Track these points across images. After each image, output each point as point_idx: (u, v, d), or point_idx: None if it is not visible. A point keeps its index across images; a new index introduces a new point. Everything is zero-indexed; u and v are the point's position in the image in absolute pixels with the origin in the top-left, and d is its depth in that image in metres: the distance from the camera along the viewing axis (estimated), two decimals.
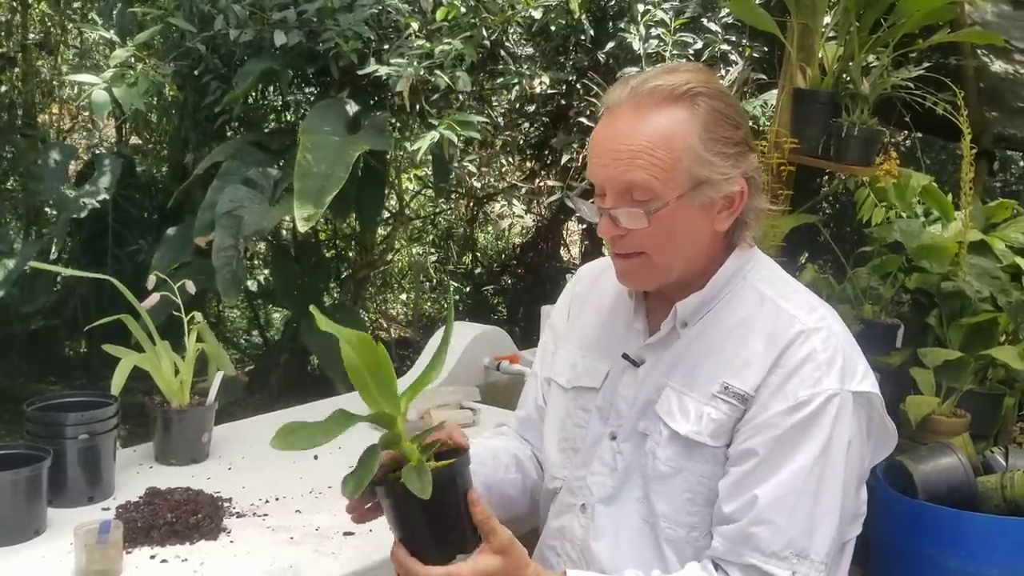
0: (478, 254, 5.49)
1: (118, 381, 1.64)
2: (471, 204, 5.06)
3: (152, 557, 1.39)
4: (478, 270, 5.35)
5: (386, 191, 4.18)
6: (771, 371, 1.19)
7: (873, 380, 1.24)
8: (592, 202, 1.26)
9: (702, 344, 1.25)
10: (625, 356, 1.31)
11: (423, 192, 5.23)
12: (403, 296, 5.77)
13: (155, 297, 1.76)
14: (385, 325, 5.19)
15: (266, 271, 4.74)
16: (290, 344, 4.28)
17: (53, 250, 4.06)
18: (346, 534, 1.50)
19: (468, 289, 5.40)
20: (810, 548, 1.15)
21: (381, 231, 4.67)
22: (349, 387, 2.60)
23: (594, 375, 1.34)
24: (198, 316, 1.81)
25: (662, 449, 1.23)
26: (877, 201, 3.33)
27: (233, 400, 3.62)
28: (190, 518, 1.46)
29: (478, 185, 4.55)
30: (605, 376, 1.33)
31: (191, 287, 1.80)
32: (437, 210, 5.32)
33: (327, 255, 4.62)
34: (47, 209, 4.31)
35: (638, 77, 1.24)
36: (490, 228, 5.43)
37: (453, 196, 4.88)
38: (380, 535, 1.51)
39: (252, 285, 4.58)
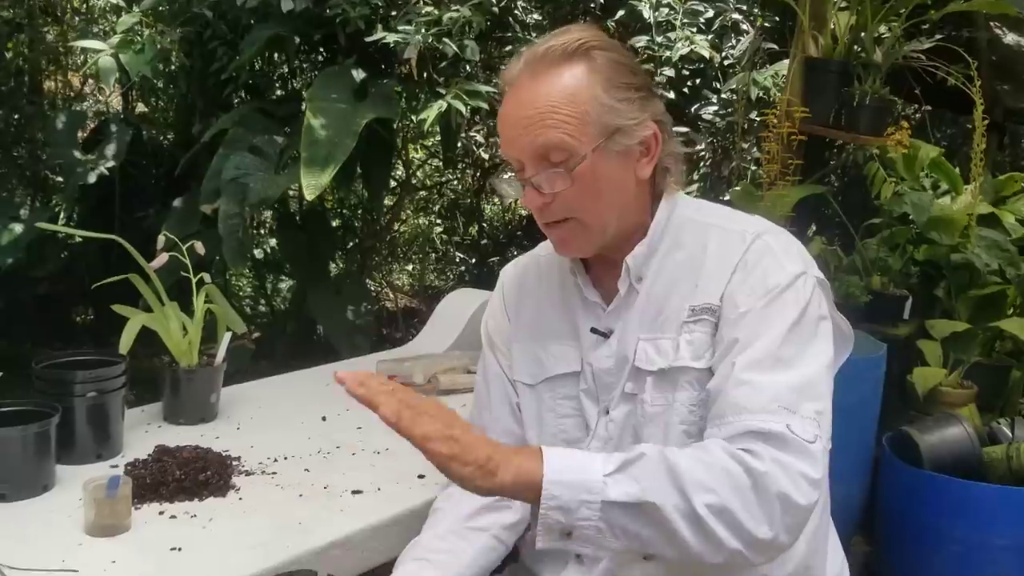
0: (484, 225, 5.48)
1: (126, 340, 1.64)
2: (478, 174, 5.04)
3: (161, 513, 1.40)
4: (484, 241, 5.34)
5: (393, 160, 4.16)
6: (732, 275, 1.20)
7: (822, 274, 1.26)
8: (512, 178, 1.26)
9: (660, 288, 1.25)
10: (594, 330, 1.29)
11: (429, 162, 5.21)
12: (408, 267, 5.76)
13: (164, 257, 1.75)
14: (391, 295, 5.19)
15: (272, 240, 4.74)
16: (297, 313, 4.28)
17: (61, 217, 4.05)
18: (354, 492, 1.51)
19: (474, 260, 5.39)
20: (799, 406, 1.11)
21: (387, 201, 4.66)
22: (353, 354, 2.60)
23: (568, 359, 1.32)
24: (206, 277, 1.81)
25: (648, 393, 1.22)
26: (886, 175, 3.31)
27: (240, 367, 3.63)
28: (199, 475, 1.46)
29: (485, 156, 4.53)
30: (579, 357, 1.31)
31: (200, 248, 1.80)
32: (443, 180, 5.31)
33: (333, 225, 4.61)
34: (54, 176, 4.30)
35: (529, 48, 1.25)
36: (496, 199, 5.41)
37: (460, 166, 4.87)
38: (388, 493, 1.52)
39: (258, 254, 4.58)
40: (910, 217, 3.33)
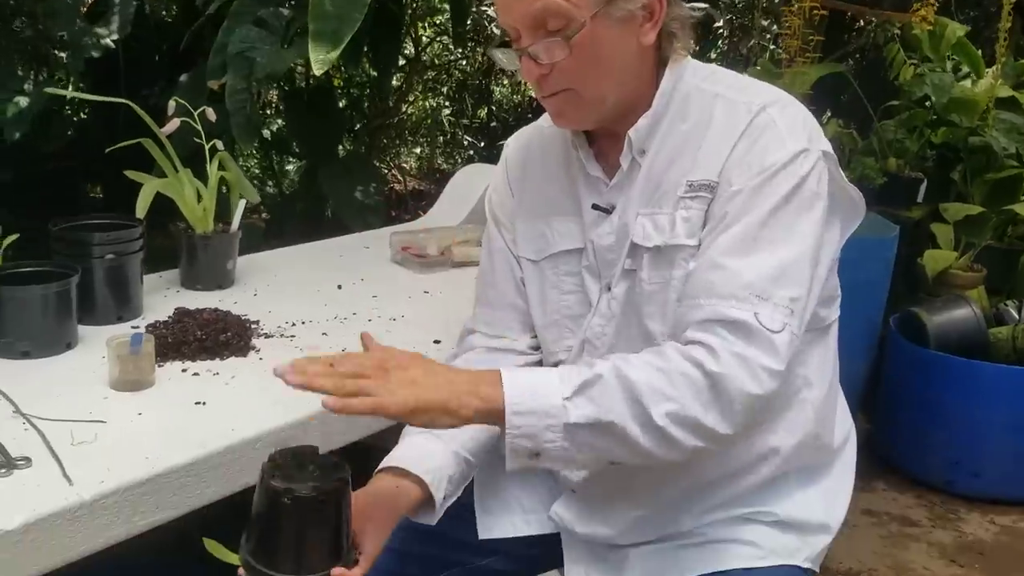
0: (493, 107, 5.40)
1: (142, 204, 1.64)
2: (487, 54, 4.94)
3: (184, 370, 1.42)
4: (493, 123, 5.27)
5: (402, 37, 4.06)
6: (732, 151, 1.15)
7: (830, 146, 1.21)
8: (509, 48, 1.20)
9: (662, 162, 1.21)
10: (595, 206, 1.26)
11: (439, 40, 5.09)
12: (416, 150, 5.71)
13: (175, 123, 1.73)
14: (399, 177, 5.16)
15: (279, 121, 4.68)
16: (306, 193, 4.27)
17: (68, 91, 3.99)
18: None
19: (483, 144, 5.33)
20: (773, 292, 1.08)
21: (395, 82, 4.58)
22: (363, 229, 2.59)
23: (571, 236, 1.30)
24: (219, 144, 1.79)
25: (646, 271, 1.20)
26: (907, 57, 3.23)
27: (251, 247, 3.64)
28: (219, 336, 1.48)
29: (497, 31, 4.41)
30: (582, 233, 1.29)
31: (211, 114, 1.78)
32: (452, 59, 5.20)
33: (341, 105, 4.54)
34: (56, 52, 4.21)
35: None
36: (506, 81, 5.32)
37: (470, 44, 4.75)
38: (408, 331, 1.54)
39: (265, 135, 4.53)
40: (929, 100, 3.27)
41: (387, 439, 1.31)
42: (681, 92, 1.21)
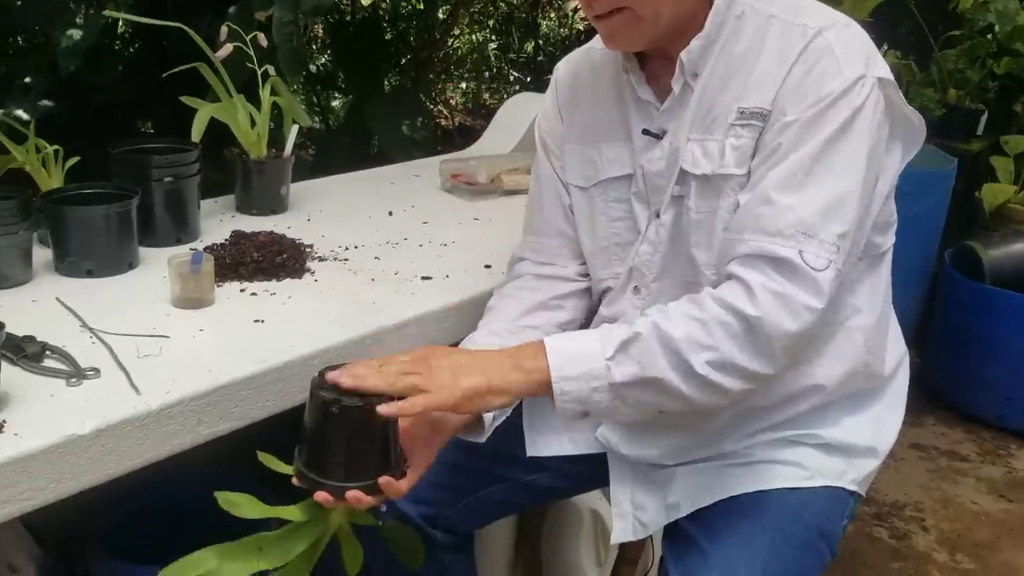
0: (540, 41, 5.32)
1: (198, 128, 1.65)
2: None
3: (242, 290, 1.45)
4: (540, 58, 5.20)
5: None
6: (786, 77, 1.12)
7: (889, 70, 1.17)
8: None
9: (713, 86, 1.18)
10: (646, 131, 1.24)
11: None
12: (462, 85, 5.67)
13: (228, 47, 1.74)
14: (445, 112, 5.13)
15: (325, 56, 4.67)
16: (352, 127, 4.27)
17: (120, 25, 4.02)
18: (424, 278, 1.55)
19: (529, 79, 5.28)
20: (821, 229, 1.07)
21: (441, 14, 4.53)
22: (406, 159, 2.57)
23: (621, 162, 1.28)
24: (271, 69, 1.80)
25: (693, 199, 1.19)
26: None
27: (299, 179, 3.66)
28: (275, 257, 1.50)
29: None
30: (632, 159, 1.27)
31: (263, 40, 1.78)
32: None
33: (387, 37, 4.51)
34: None
35: None
36: (553, 14, 5.23)
37: None
38: (456, 280, 1.56)
39: (312, 70, 4.52)
40: (992, 28, 3.16)
41: None
42: (735, 13, 1.18)
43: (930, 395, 3.01)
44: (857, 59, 1.11)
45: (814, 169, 1.09)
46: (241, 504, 1.11)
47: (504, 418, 1.27)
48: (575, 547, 2.08)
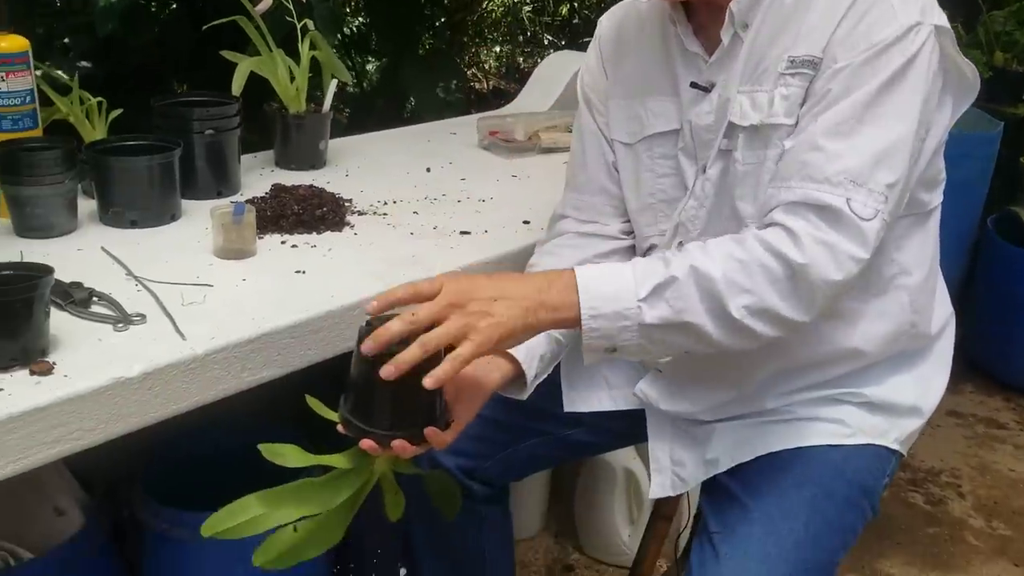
0: (575, 4, 5.26)
1: (238, 82, 1.66)
2: None
3: (283, 242, 1.46)
4: (575, 20, 5.15)
5: None
6: (838, 25, 1.09)
7: (946, 18, 1.14)
8: None
9: (764, 36, 1.15)
10: (694, 84, 1.21)
11: None
12: (496, 48, 5.63)
13: (268, 1, 1.74)
14: (479, 76, 5.11)
15: (359, 19, 4.65)
16: (386, 90, 4.27)
17: None
18: (462, 233, 1.55)
19: (563, 43, 5.23)
20: (869, 178, 1.04)
21: None
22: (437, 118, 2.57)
23: (667, 117, 1.26)
24: (310, 24, 1.80)
25: (740, 151, 1.16)
26: None
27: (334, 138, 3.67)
28: (315, 210, 1.51)
29: None
30: (678, 114, 1.25)
31: None
32: None
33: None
34: None
35: None
36: None
37: None
38: (495, 235, 1.56)
39: (346, 32, 4.51)
40: None
41: None
42: None
43: (969, 362, 2.97)
44: (912, 6, 1.08)
45: (865, 116, 1.06)
46: (285, 454, 1.12)
47: (546, 375, 1.27)
48: (608, 504, 2.10)
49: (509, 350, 1.19)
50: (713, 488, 1.28)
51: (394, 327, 0.99)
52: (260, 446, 1.10)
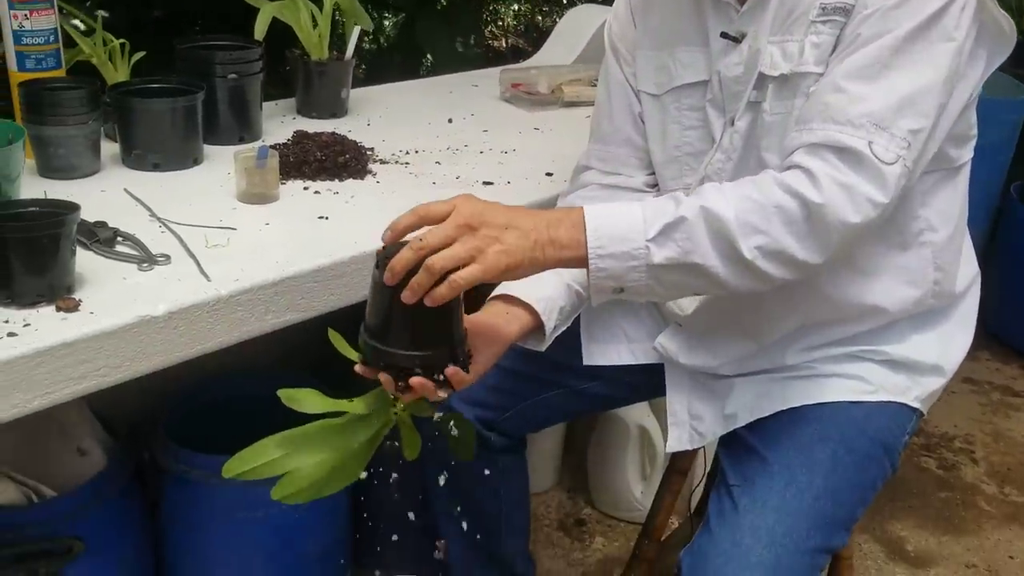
0: None
1: (261, 27, 1.64)
2: None
3: (305, 188, 1.45)
4: None
5: None
6: None
7: None
8: None
9: None
10: (724, 35, 1.19)
11: None
12: (514, 6, 5.56)
13: None
14: (497, 33, 5.06)
15: None
16: (404, 45, 4.23)
17: None
18: (485, 183, 1.54)
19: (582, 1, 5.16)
20: (893, 123, 1.02)
21: None
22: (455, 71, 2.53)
23: (696, 68, 1.24)
24: None
25: (769, 102, 1.15)
26: None
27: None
28: (338, 157, 1.50)
29: None
30: (708, 65, 1.23)
31: None
32: None
33: None
34: None
35: None
36: None
37: None
38: (517, 186, 1.56)
39: None
40: None
41: None
42: None
43: (986, 330, 2.95)
44: None
45: (892, 61, 1.04)
46: (303, 399, 1.11)
47: (565, 327, 1.26)
48: (621, 461, 2.11)
49: (528, 300, 1.19)
50: (732, 442, 1.29)
51: (405, 255, 0.97)
52: (279, 391, 1.09)
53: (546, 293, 1.22)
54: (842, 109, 1.04)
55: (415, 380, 1.02)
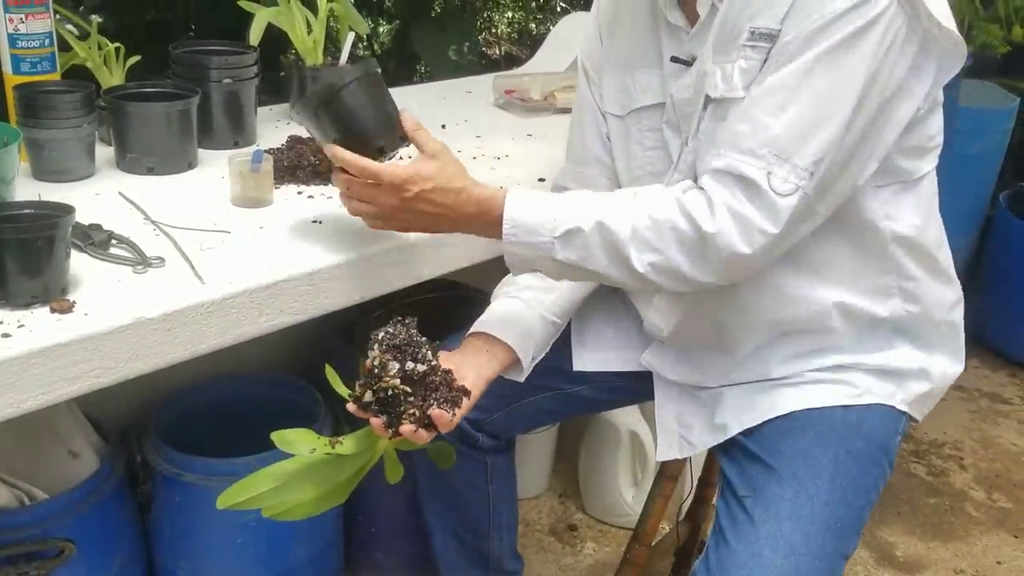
0: None
1: (256, 32, 1.65)
2: None
3: (299, 193, 1.46)
4: None
5: None
6: None
7: None
8: None
9: (736, 7, 1.13)
10: (675, 59, 1.21)
11: None
12: (508, 14, 5.58)
13: None
14: (491, 40, 5.07)
15: None
16: (399, 51, 4.25)
17: None
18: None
19: (576, 9, 5.18)
20: (795, 152, 1.04)
21: None
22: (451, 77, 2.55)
23: (653, 91, 1.26)
24: None
25: (705, 122, 1.16)
26: None
27: None
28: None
29: None
30: (663, 87, 1.24)
31: None
32: None
33: None
34: None
35: None
36: None
37: None
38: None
39: None
40: None
41: None
42: None
43: (975, 337, 2.97)
44: None
45: (801, 85, 1.04)
46: (296, 440, 1.16)
47: (543, 355, 1.33)
48: (612, 466, 2.12)
49: (504, 339, 1.27)
50: (732, 450, 1.29)
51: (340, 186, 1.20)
52: (273, 435, 1.14)
53: (521, 329, 1.29)
54: (746, 137, 1.07)
55: (405, 428, 1.08)
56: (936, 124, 1.19)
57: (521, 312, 1.31)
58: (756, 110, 1.07)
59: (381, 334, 1.10)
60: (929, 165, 1.22)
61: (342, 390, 1.15)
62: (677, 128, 1.24)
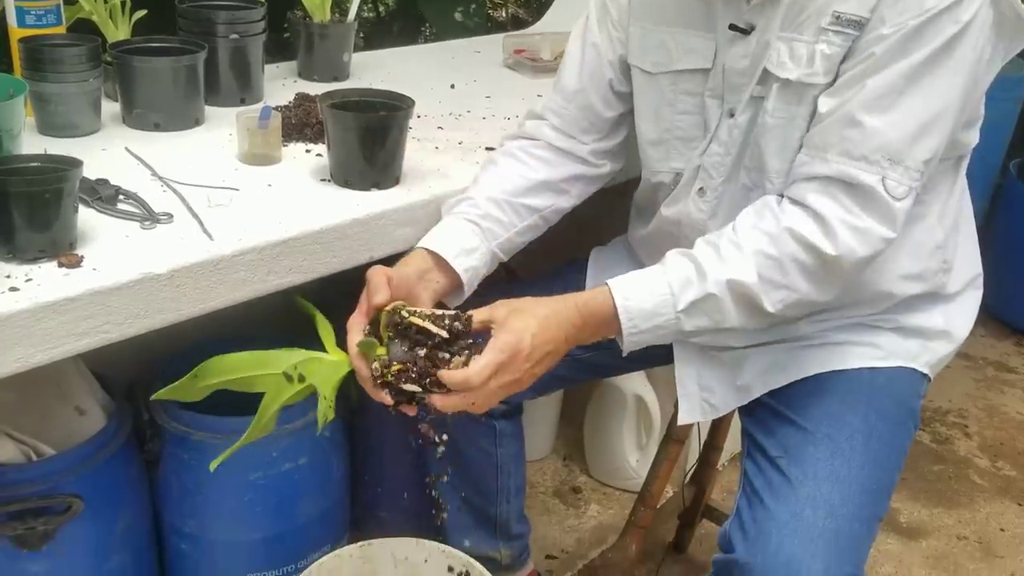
0: None
1: None
2: None
3: (307, 151, 1.44)
4: None
5: None
6: None
7: None
8: None
9: None
10: (732, 26, 1.16)
11: None
12: None
13: None
14: (498, 3, 5.01)
15: None
16: (403, 14, 4.20)
17: None
18: (487, 148, 1.53)
19: None
20: (907, 155, 1.04)
21: None
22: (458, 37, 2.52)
23: (699, 55, 1.21)
24: None
25: (772, 102, 1.13)
26: None
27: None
28: None
29: None
30: (714, 53, 1.20)
31: None
32: None
33: None
34: None
35: None
36: None
37: None
38: None
39: None
40: None
41: None
42: None
43: (983, 306, 2.96)
44: None
45: (907, 89, 1.04)
46: (319, 320, 1.17)
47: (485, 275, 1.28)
48: (618, 430, 2.12)
49: (455, 266, 1.22)
50: (758, 411, 1.28)
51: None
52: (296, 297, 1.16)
53: (473, 262, 1.24)
54: (857, 143, 1.05)
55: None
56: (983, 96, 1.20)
57: (477, 245, 1.25)
58: (863, 114, 1.05)
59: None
60: (975, 136, 1.23)
61: (316, 316, 1.16)
62: (721, 97, 1.21)
